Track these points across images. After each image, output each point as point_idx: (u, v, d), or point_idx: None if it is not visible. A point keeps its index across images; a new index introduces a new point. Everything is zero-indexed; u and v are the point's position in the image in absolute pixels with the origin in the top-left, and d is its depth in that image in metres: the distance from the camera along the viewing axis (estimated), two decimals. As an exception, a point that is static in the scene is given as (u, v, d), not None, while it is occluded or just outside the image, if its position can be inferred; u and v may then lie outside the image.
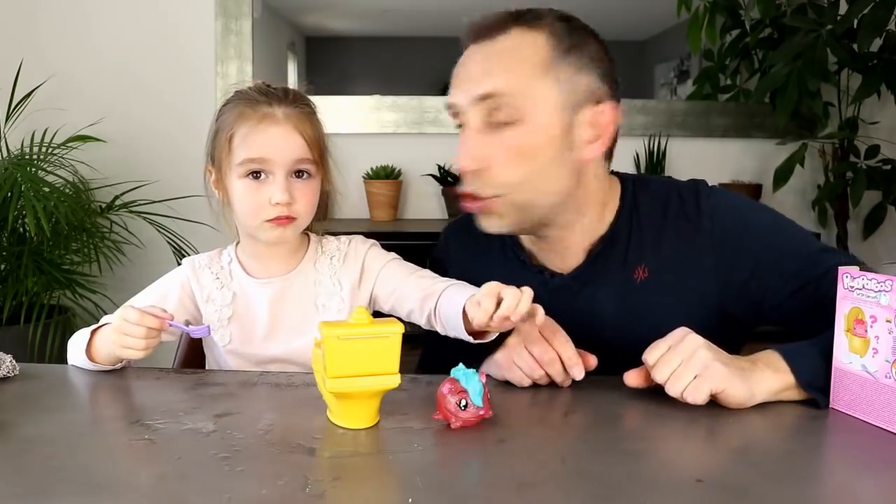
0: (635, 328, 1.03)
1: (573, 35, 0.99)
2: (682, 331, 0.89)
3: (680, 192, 1.08)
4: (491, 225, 1.03)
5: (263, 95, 1.05)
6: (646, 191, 1.09)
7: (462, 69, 1.01)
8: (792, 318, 1.03)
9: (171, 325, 0.99)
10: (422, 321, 1.06)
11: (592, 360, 0.96)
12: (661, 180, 1.13)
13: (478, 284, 1.05)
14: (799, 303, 1.01)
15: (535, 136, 0.97)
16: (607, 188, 1.08)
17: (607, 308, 1.07)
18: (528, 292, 0.86)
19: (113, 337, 0.97)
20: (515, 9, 1.01)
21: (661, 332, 0.90)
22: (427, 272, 1.10)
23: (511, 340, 0.97)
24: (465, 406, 0.81)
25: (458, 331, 0.97)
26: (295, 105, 1.05)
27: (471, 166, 0.98)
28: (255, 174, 1.03)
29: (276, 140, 1.03)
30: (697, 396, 0.85)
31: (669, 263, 1.05)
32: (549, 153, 0.98)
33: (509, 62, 0.97)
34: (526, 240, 1.13)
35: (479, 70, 0.98)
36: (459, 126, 1.02)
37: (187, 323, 1.09)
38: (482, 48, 1.00)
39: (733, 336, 1.08)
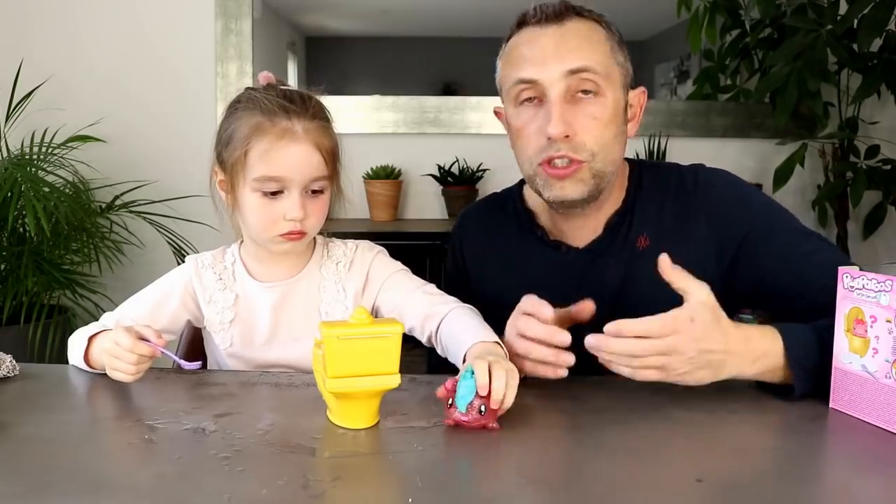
0: (639, 294, 1.09)
1: (616, 29, 1.12)
2: (688, 323, 0.87)
3: (681, 170, 1.19)
4: (573, 190, 1.08)
5: (282, 109, 1.01)
6: (651, 171, 1.19)
7: (538, 47, 1.07)
8: (778, 291, 1.07)
9: (163, 353, 0.97)
10: (422, 339, 1.06)
11: (589, 307, 0.97)
12: (665, 163, 1.24)
13: (496, 262, 1.16)
14: (786, 278, 1.06)
15: (610, 109, 1.07)
16: (622, 168, 1.17)
17: (615, 277, 1.13)
18: (513, 386, 0.83)
19: (104, 358, 0.97)
20: (564, 2, 1.10)
21: (662, 296, 0.91)
22: (432, 288, 1.10)
23: (506, 334, 0.98)
24: (451, 404, 0.82)
25: (458, 364, 0.97)
26: (314, 119, 1.03)
27: (565, 131, 1.04)
28: (272, 191, 1.01)
29: (296, 158, 1.01)
30: (643, 378, 0.88)
31: (668, 233, 1.13)
32: (617, 125, 1.09)
33: (589, 42, 1.07)
34: (543, 217, 1.19)
35: (564, 47, 1.06)
36: (529, 100, 1.08)
37: (179, 353, 1.07)
38: (553, 30, 1.07)
39: (727, 305, 1.10)
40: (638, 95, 1.14)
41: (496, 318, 1.02)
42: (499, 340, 0.95)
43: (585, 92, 1.06)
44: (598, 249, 1.15)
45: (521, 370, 0.96)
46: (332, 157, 1.05)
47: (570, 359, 0.92)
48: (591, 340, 0.87)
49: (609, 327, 0.87)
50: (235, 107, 1.05)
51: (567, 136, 1.05)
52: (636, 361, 0.87)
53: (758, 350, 0.91)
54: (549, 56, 1.06)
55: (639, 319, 0.87)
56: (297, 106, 1.02)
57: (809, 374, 0.91)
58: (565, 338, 0.92)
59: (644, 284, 1.08)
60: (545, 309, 0.94)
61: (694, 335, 0.87)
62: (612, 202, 1.15)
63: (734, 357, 0.90)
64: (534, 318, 0.94)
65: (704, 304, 0.89)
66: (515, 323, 0.97)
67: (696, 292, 0.89)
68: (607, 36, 1.09)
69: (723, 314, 0.91)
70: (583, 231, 1.15)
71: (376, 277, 1.11)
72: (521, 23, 1.11)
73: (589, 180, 1.08)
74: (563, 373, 0.93)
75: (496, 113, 1.19)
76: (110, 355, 0.95)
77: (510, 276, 1.16)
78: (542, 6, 1.09)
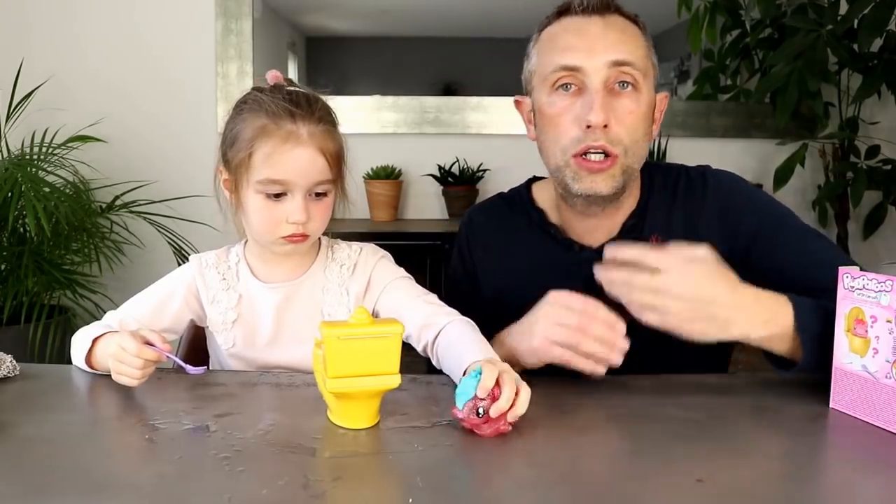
0: None
1: (649, 34, 1.14)
2: (683, 264, 0.90)
3: (689, 172, 1.20)
4: (604, 185, 1.08)
5: (287, 112, 1.00)
6: (660, 173, 1.20)
7: (583, 35, 1.08)
8: (784, 289, 1.04)
9: (168, 357, 0.96)
10: (418, 348, 1.05)
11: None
12: (672, 165, 1.24)
13: (507, 259, 1.15)
14: (793, 276, 1.05)
15: (644, 106, 1.09)
16: None
17: None
18: (524, 394, 0.82)
19: (109, 362, 0.96)
20: None
21: None
22: (433, 297, 1.09)
23: (540, 319, 0.97)
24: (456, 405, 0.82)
25: (455, 378, 0.94)
26: (319, 122, 1.02)
27: (605, 120, 1.05)
28: (276, 193, 1.01)
29: (300, 162, 1.00)
30: (647, 321, 0.90)
31: (679, 233, 1.12)
32: (648, 123, 1.11)
33: (632, 38, 1.09)
34: (554, 215, 1.19)
35: (609, 38, 1.07)
36: (564, 87, 1.08)
37: (180, 354, 1.06)
38: (598, 20, 1.08)
39: None
40: (661, 100, 1.15)
41: (503, 315, 1.02)
42: (499, 360, 0.92)
43: (623, 85, 1.07)
44: None
45: (568, 339, 0.96)
46: (336, 160, 1.04)
47: (626, 343, 0.93)
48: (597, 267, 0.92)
49: (608, 249, 0.93)
50: (241, 107, 1.05)
51: (605, 126, 1.05)
52: (633, 294, 0.90)
53: (768, 311, 0.92)
54: (594, 45, 1.06)
55: (637, 246, 0.92)
56: (303, 109, 1.02)
57: (816, 344, 0.91)
58: (622, 327, 0.93)
59: None
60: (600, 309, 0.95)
61: (689, 278, 0.89)
62: (629, 204, 1.15)
63: (742, 313, 0.91)
64: (587, 313, 0.94)
65: (704, 256, 0.91)
66: (568, 316, 0.95)
67: (695, 250, 0.92)
68: (644, 35, 1.11)
69: (730, 271, 0.92)
70: (596, 232, 1.15)
71: (378, 282, 1.11)
72: (563, 11, 1.11)
73: (619, 176, 1.08)
74: (603, 370, 0.93)
75: (516, 102, 1.18)
76: (115, 360, 0.95)
77: (521, 274, 1.15)
78: None
